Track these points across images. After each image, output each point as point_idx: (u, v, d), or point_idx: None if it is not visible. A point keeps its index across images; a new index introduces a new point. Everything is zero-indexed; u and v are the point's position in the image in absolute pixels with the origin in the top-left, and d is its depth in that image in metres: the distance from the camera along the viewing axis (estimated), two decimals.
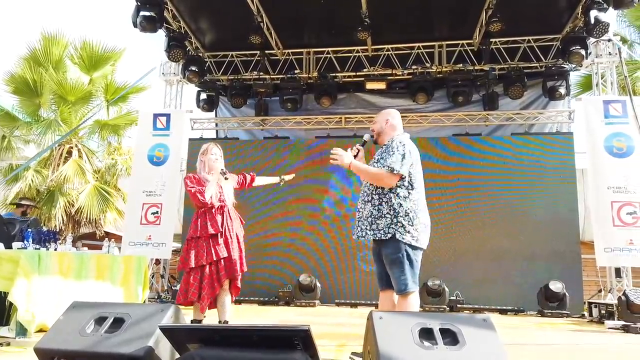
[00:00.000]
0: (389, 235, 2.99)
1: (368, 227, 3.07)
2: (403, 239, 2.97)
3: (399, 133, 3.23)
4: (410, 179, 3.06)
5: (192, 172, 4.11)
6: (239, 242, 3.92)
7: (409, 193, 3.05)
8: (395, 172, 2.99)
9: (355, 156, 3.28)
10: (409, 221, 2.99)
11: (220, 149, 4.10)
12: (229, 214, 3.92)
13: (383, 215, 3.02)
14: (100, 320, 2.44)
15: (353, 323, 5.50)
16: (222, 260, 3.77)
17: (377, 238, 3.04)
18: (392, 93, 9.41)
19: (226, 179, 3.96)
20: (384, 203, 3.04)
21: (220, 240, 3.80)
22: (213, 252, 3.75)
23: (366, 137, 3.34)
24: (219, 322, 3.86)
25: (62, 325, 2.46)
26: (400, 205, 3.01)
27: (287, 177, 4.41)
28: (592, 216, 7.28)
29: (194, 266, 3.76)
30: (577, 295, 7.51)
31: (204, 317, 3.89)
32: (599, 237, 7.00)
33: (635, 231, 6.86)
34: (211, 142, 4.12)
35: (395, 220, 2.99)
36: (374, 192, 3.10)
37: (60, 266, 4.33)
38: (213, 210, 3.86)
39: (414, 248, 3.02)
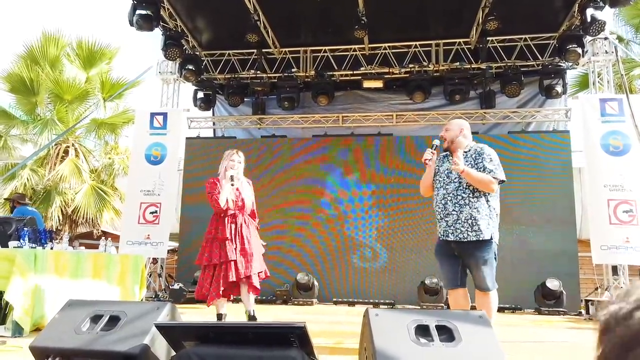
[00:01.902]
0: (488, 236, 3.19)
1: (470, 229, 3.21)
2: (494, 239, 3.22)
3: (471, 142, 3.47)
4: None
5: (214, 176, 4.32)
6: (249, 247, 4.16)
7: (495, 196, 3.31)
8: (500, 180, 3.25)
9: (430, 160, 3.52)
10: (496, 222, 3.28)
11: (241, 155, 4.33)
12: (244, 219, 4.21)
13: (482, 217, 3.23)
14: (95, 319, 2.43)
15: (350, 321, 5.50)
16: (231, 262, 4.06)
17: (480, 239, 3.18)
18: (389, 91, 9.41)
19: (232, 184, 4.16)
20: (481, 205, 3.25)
21: (231, 244, 4.10)
22: (224, 254, 4.07)
23: (436, 142, 3.51)
24: (246, 312, 4.25)
25: (58, 324, 2.45)
26: (494, 208, 3.29)
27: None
28: (589, 214, 7.29)
29: (207, 264, 4.12)
30: (574, 293, 7.52)
31: (224, 312, 4.27)
32: (596, 235, 7.01)
33: (631, 229, 6.88)
34: (233, 149, 4.37)
35: (490, 221, 3.24)
36: (470, 196, 3.27)
37: (57, 265, 4.33)
38: (229, 215, 4.14)
39: (497, 246, 3.27)
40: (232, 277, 4.03)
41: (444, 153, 3.53)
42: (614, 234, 6.90)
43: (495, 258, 3.25)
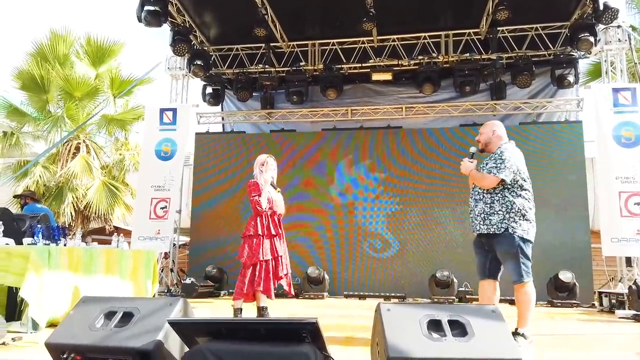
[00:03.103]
0: (502, 230, 3.35)
1: (482, 223, 3.45)
2: (515, 232, 3.34)
3: (505, 142, 3.59)
4: (518, 181, 3.43)
5: (253, 179, 4.60)
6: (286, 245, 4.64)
7: (519, 192, 3.42)
8: (494, 175, 3.38)
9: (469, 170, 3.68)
10: (520, 217, 3.37)
11: (275, 161, 4.69)
12: (278, 217, 4.59)
13: (495, 212, 3.40)
14: (109, 315, 2.44)
15: (362, 315, 5.51)
16: (280, 257, 4.46)
17: (490, 232, 3.39)
18: (398, 84, 9.35)
19: (279, 191, 4.58)
20: (495, 201, 3.41)
21: (278, 241, 4.48)
22: (275, 249, 4.42)
23: (472, 149, 3.71)
24: (258, 308, 4.48)
25: (73, 320, 2.47)
26: (513, 203, 3.38)
27: None
28: (600, 206, 7.21)
29: (260, 260, 4.35)
30: (587, 284, 7.45)
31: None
32: (606, 227, 6.96)
33: None
34: (269, 155, 4.68)
35: (507, 216, 3.37)
36: (485, 192, 3.48)
37: (70, 261, 4.37)
38: (271, 215, 4.49)
39: (525, 241, 3.38)
40: (282, 272, 4.44)
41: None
42: (625, 226, 6.83)
43: (521, 252, 3.35)
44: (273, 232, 4.46)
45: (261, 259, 4.35)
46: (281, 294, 7.87)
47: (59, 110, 11.13)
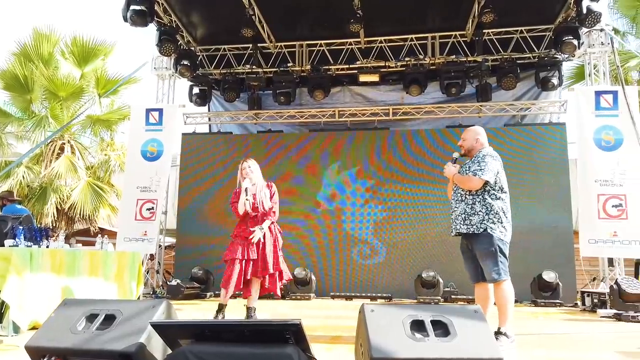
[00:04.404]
0: (481, 230, 3.46)
1: (462, 223, 3.56)
2: (494, 233, 3.44)
3: (485, 147, 3.76)
4: (497, 183, 3.55)
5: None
6: (274, 246, 4.57)
7: (499, 195, 3.54)
8: (479, 177, 3.49)
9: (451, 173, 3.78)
10: (499, 218, 3.48)
11: (249, 161, 4.69)
12: (262, 221, 4.55)
13: (476, 213, 3.51)
14: (91, 317, 2.42)
15: (348, 315, 5.51)
16: (251, 261, 4.44)
17: (470, 232, 3.50)
18: (385, 86, 9.39)
19: (247, 199, 4.52)
20: (477, 202, 3.53)
21: (252, 245, 4.45)
22: (246, 252, 4.43)
23: (455, 155, 3.82)
24: (247, 308, 4.60)
25: (54, 323, 2.45)
26: (492, 205, 3.49)
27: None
28: (579, 208, 7.34)
29: (228, 259, 4.47)
30: (570, 284, 7.55)
31: (226, 304, 4.52)
32: (584, 229, 7.09)
33: (619, 223, 6.93)
34: (244, 160, 4.70)
35: (487, 217, 3.48)
36: (467, 194, 3.59)
37: (53, 263, 4.32)
38: (251, 218, 4.53)
39: (503, 242, 3.47)
40: (249, 275, 4.42)
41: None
42: (602, 228, 6.96)
43: (500, 251, 3.43)
44: (246, 235, 4.50)
45: (227, 258, 4.48)
46: (267, 295, 7.90)
47: (43, 110, 11.00)
